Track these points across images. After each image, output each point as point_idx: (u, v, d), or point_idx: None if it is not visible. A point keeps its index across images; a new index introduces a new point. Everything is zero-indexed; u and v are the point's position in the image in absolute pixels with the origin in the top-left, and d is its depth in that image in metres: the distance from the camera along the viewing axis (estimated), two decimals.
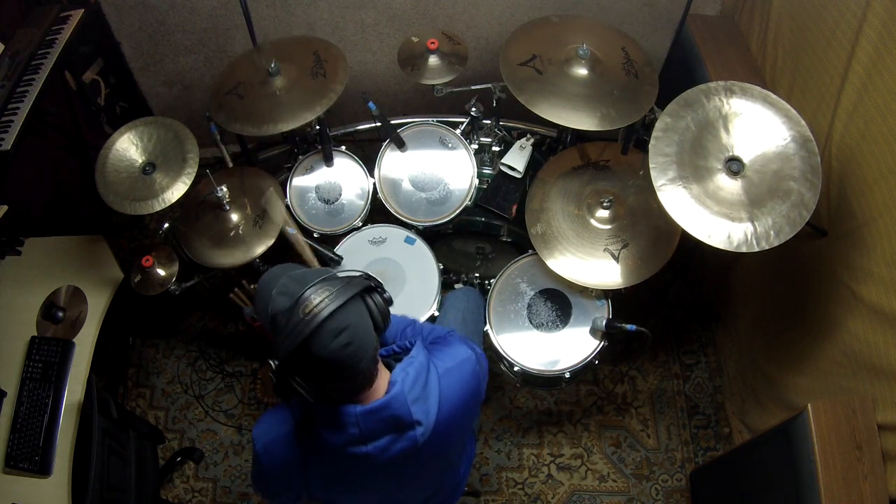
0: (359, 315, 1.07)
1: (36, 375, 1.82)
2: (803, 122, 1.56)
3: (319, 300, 1.03)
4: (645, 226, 1.88)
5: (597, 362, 1.91)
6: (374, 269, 2.04)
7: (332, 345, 1.02)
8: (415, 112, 2.27)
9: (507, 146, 2.13)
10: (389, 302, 1.17)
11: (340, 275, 1.13)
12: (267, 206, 1.98)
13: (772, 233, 1.51)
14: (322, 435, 1.15)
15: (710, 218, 1.54)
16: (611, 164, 2.00)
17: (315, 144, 2.15)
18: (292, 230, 1.87)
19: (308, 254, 1.81)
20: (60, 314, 1.95)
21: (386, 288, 1.18)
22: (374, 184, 2.08)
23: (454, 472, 1.53)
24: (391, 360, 1.25)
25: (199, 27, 2.42)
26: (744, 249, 1.51)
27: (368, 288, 1.12)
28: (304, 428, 1.18)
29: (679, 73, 2.21)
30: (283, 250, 1.96)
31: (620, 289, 1.85)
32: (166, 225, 2.01)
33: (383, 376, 1.17)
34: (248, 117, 1.93)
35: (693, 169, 1.59)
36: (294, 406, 1.20)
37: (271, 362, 1.08)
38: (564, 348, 1.89)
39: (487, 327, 1.92)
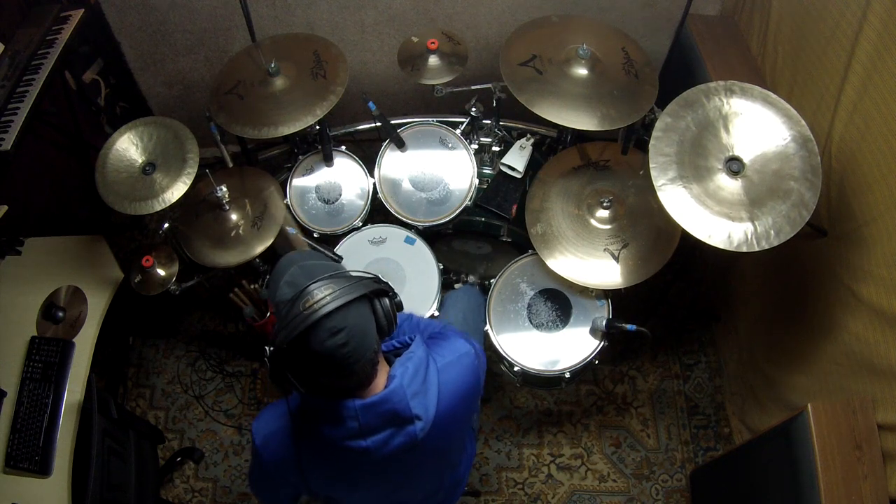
0: (360, 317, 1.06)
1: (36, 375, 1.82)
2: (803, 122, 1.56)
3: (321, 296, 1.02)
4: (645, 226, 1.88)
5: (597, 362, 1.92)
6: (374, 269, 2.03)
7: (329, 342, 1.01)
8: (415, 112, 2.27)
9: (507, 146, 2.13)
10: (399, 307, 1.17)
11: (353, 274, 1.12)
12: (267, 204, 1.98)
13: (772, 233, 1.51)
14: (321, 429, 1.15)
15: (710, 218, 1.54)
16: (611, 164, 2.00)
17: (315, 144, 2.15)
18: (292, 230, 1.87)
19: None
20: (60, 314, 1.95)
21: None
22: (374, 184, 2.08)
23: (454, 471, 1.53)
24: (391, 356, 1.25)
25: (199, 27, 2.42)
26: (744, 249, 1.51)
27: (378, 291, 1.11)
28: (303, 422, 1.18)
29: (679, 73, 2.21)
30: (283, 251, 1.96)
31: (620, 289, 1.85)
32: (166, 225, 2.01)
33: (383, 371, 1.17)
34: (248, 119, 1.93)
35: (693, 169, 1.59)
36: (294, 400, 1.20)
37: (266, 348, 1.08)
38: (564, 348, 1.89)
39: (487, 327, 1.92)
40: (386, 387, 1.14)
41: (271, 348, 1.07)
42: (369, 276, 1.13)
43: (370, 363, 1.11)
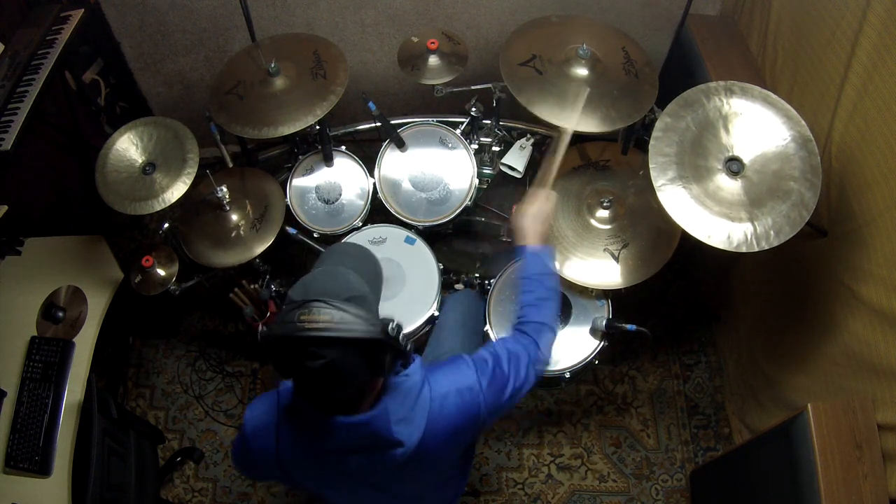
0: (348, 358, 0.99)
1: (36, 375, 1.82)
2: (803, 122, 1.56)
3: (317, 318, 0.98)
4: (645, 226, 1.88)
5: (597, 362, 1.91)
6: None
7: (307, 364, 0.97)
8: (415, 112, 2.27)
9: (507, 146, 2.13)
10: (406, 360, 1.12)
11: (372, 320, 1.03)
12: (267, 204, 1.98)
13: (772, 233, 1.51)
14: (304, 435, 1.16)
15: (710, 218, 1.54)
16: (611, 164, 2.00)
17: (315, 144, 2.15)
18: (293, 230, 1.87)
19: None
20: (60, 314, 1.95)
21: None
22: (374, 184, 2.07)
23: (439, 493, 1.50)
24: (389, 376, 1.22)
25: (199, 27, 2.42)
26: (744, 249, 1.51)
27: (382, 344, 1.03)
28: (289, 421, 1.18)
29: (679, 73, 2.21)
30: (282, 250, 1.96)
31: (620, 289, 1.85)
32: (166, 225, 2.01)
33: (374, 393, 1.13)
34: (248, 119, 1.93)
35: (693, 169, 1.59)
36: (284, 396, 1.19)
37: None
38: (564, 348, 1.88)
39: (487, 327, 1.92)
40: (371, 408, 1.11)
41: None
42: (392, 322, 1.05)
43: (350, 395, 1.07)
